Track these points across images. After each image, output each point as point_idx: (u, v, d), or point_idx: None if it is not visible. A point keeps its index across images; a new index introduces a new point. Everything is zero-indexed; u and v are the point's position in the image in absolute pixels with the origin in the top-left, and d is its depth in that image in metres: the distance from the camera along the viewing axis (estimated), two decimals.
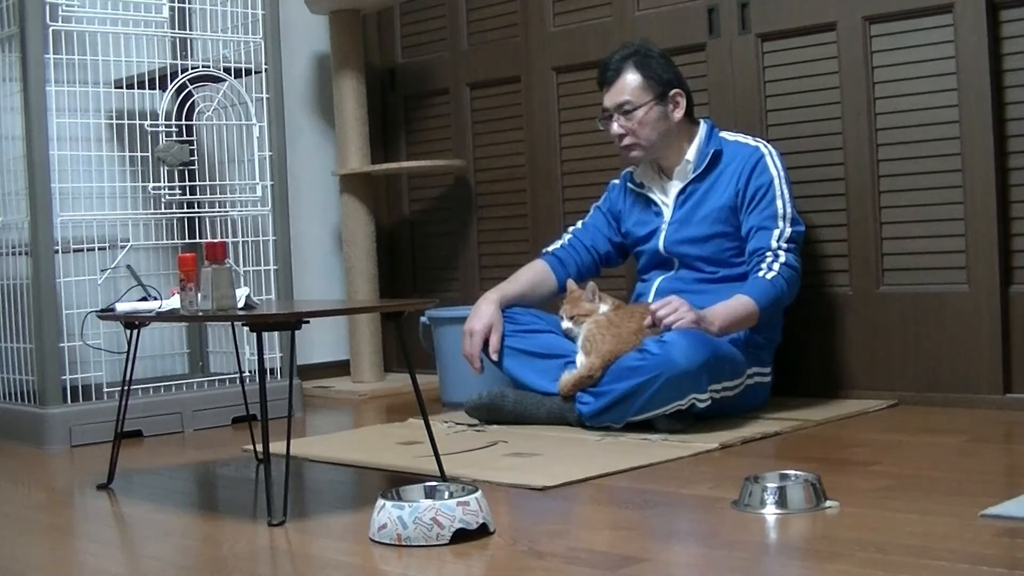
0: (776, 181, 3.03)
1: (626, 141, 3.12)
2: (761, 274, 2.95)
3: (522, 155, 4.02)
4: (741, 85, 3.44)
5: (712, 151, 3.09)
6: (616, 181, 3.35)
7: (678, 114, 3.10)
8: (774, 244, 2.98)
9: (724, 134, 3.16)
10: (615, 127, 3.12)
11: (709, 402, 2.82)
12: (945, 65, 3.08)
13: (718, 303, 2.91)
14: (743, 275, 3.03)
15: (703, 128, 3.16)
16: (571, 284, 3.16)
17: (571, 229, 3.36)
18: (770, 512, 2.00)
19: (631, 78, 3.09)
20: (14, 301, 3.26)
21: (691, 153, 3.13)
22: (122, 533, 2.21)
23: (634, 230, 3.24)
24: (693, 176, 3.11)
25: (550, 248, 3.34)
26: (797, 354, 3.31)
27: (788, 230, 3.00)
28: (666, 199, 3.17)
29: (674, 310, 2.82)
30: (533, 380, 3.07)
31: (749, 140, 3.13)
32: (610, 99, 3.12)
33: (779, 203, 3.01)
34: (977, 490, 2.12)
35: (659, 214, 3.18)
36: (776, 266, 2.95)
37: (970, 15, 3.01)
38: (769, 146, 3.10)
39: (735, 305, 2.90)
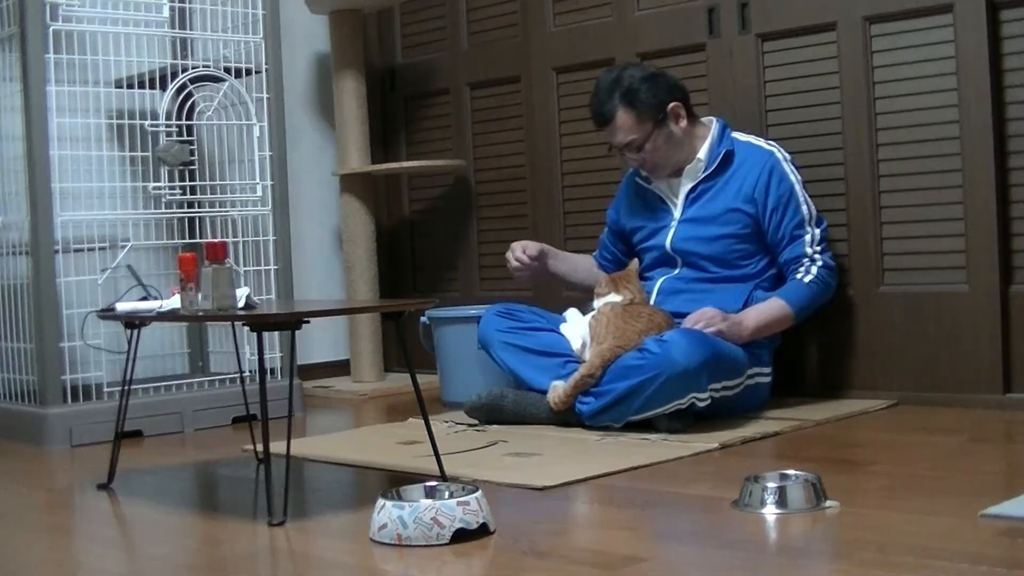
0: (796, 187, 3.07)
1: (646, 168, 3.14)
2: (799, 277, 3.02)
3: (522, 155, 4.02)
4: (741, 85, 3.44)
5: (724, 151, 3.10)
6: (623, 180, 3.36)
7: (683, 124, 3.10)
8: (809, 251, 3.04)
9: (736, 135, 3.17)
10: (629, 158, 3.14)
11: (709, 401, 2.82)
12: (945, 65, 3.08)
13: (752, 306, 2.95)
14: (746, 276, 3.07)
15: (715, 127, 3.16)
16: (634, 263, 3.14)
17: (594, 255, 3.45)
18: (770, 512, 2.00)
19: (625, 117, 3.07)
20: (14, 301, 3.26)
21: (703, 152, 3.12)
22: (122, 533, 2.21)
23: (641, 226, 3.24)
24: (704, 176, 3.11)
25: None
26: (797, 354, 3.31)
27: (817, 232, 3.05)
28: (675, 197, 3.17)
29: (707, 319, 2.87)
30: (532, 376, 3.07)
31: (762, 143, 3.14)
32: (613, 139, 3.12)
33: (804, 208, 3.06)
34: (977, 490, 2.12)
35: (668, 212, 3.19)
36: (814, 269, 3.02)
37: (970, 15, 3.01)
38: (782, 149, 3.12)
39: (768, 308, 2.95)
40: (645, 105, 3.06)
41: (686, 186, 3.15)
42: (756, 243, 3.10)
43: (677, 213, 3.16)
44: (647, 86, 3.07)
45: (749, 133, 3.21)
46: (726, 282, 3.07)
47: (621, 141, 3.10)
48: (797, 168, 3.16)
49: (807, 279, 3.01)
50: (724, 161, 3.10)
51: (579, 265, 3.41)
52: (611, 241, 3.39)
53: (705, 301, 3.02)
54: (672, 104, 3.08)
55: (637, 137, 3.07)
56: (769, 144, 3.14)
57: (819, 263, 3.02)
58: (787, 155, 3.11)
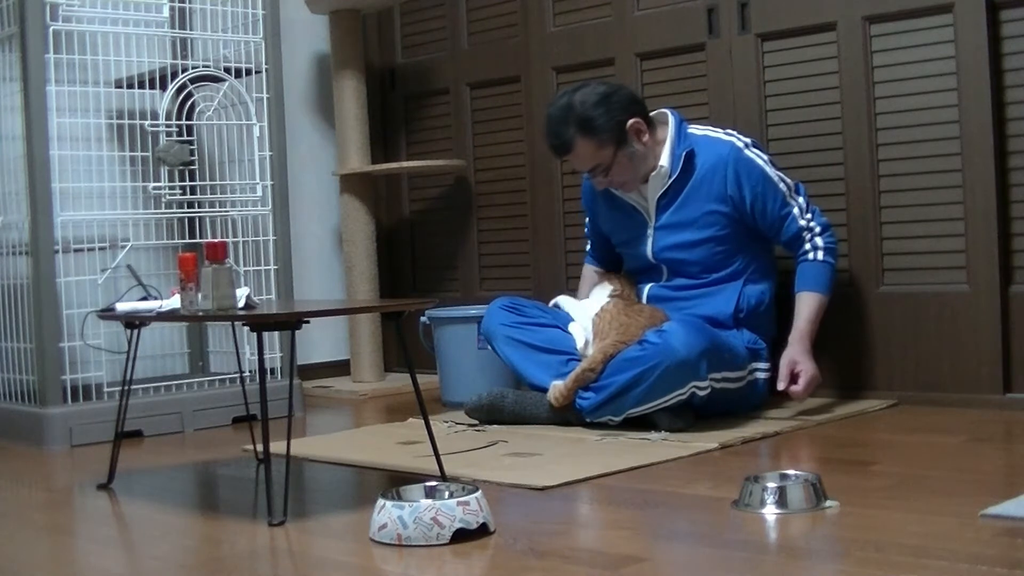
0: (766, 168, 3.02)
1: (614, 186, 3.10)
2: (810, 257, 3.00)
3: (522, 155, 4.02)
4: (741, 85, 3.43)
5: (684, 152, 3.03)
6: (584, 181, 3.30)
7: (644, 138, 3.02)
8: (803, 223, 3.02)
9: (693, 129, 3.10)
10: (596, 181, 3.09)
11: (709, 390, 2.82)
12: (945, 65, 3.08)
13: (797, 323, 2.95)
14: (734, 274, 3.05)
15: (672, 125, 3.08)
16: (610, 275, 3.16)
17: (588, 257, 3.41)
18: (770, 512, 2.00)
19: (584, 146, 2.99)
20: (14, 301, 3.26)
21: (664, 158, 3.04)
22: (122, 533, 2.21)
23: (617, 233, 3.22)
24: (671, 182, 3.07)
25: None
26: None
27: (801, 200, 3.03)
28: (646, 203, 3.13)
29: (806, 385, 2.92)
30: (533, 373, 3.06)
31: (720, 134, 3.08)
32: (578, 166, 3.08)
33: (780, 186, 3.02)
34: (977, 490, 2.12)
35: (643, 220, 3.13)
36: (819, 241, 3.01)
37: (970, 15, 3.01)
38: (741, 136, 3.07)
39: (806, 309, 2.96)
40: (603, 130, 2.97)
41: (655, 192, 3.08)
42: (737, 241, 3.06)
43: (652, 220, 3.12)
44: (602, 110, 2.97)
45: (710, 126, 3.15)
46: (714, 284, 3.06)
47: (585, 168, 3.05)
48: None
49: (819, 256, 2.99)
50: (687, 162, 3.03)
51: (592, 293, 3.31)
52: (596, 234, 3.35)
53: (696, 307, 3.01)
54: (631, 122, 2.99)
55: (600, 162, 3.01)
56: (727, 134, 3.08)
57: (816, 230, 3.01)
58: (747, 140, 3.06)
